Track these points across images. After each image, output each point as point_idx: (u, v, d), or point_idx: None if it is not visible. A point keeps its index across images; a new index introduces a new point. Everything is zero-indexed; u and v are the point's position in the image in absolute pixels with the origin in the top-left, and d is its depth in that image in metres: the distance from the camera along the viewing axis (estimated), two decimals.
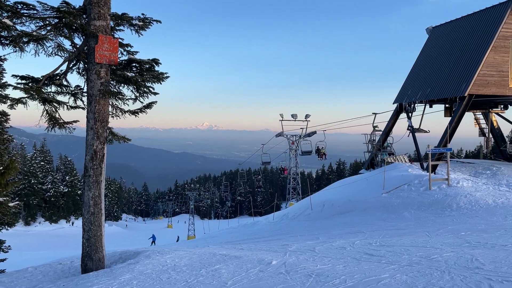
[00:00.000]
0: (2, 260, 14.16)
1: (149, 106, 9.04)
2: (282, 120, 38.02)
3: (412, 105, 23.58)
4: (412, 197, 16.65)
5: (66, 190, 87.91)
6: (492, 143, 27.40)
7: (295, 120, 38.12)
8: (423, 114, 24.34)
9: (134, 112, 9.14)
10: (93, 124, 8.31)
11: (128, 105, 9.13)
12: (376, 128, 23.86)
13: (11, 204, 14.20)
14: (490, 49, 20.29)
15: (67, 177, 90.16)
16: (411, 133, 23.27)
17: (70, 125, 8.87)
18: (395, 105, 25.41)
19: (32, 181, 78.60)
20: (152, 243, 49.67)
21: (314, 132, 37.49)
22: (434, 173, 20.34)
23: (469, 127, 30.79)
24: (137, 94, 8.87)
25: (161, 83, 8.95)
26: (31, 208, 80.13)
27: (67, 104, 8.90)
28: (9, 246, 14.14)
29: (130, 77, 8.31)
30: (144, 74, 8.62)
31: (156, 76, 8.80)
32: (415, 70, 25.75)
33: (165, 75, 8.95)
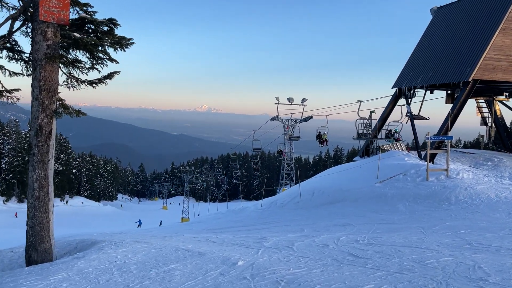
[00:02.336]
0: None
1: (109, 76, 7.85)
2: (278, 103, 36.76)
3: (412, 90, 22.25)
4: (408, 188, 15.51)
5: (61, 168, 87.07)
6: (494, 132, 26.20)
7: (291, 104, 36.85)
8: (423, 100, 23.06)
9: (91, 83, 7.95)
10: (38, 94, 7.15)
11: (87, 74, 7.93)
12: (373, 113, 22.58)
13: None
14: (498, 32, 18.90)
15: (62, 155, 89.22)
16: (409, 120, 22.04)
17: (10, 94, 7.64)
18: (394, 89, 24.06)
19: (26, 158, 77.52)
20: (138, 226, 49.38)
21: (310, 117, 36.30)
22: (433, 163, 19.21)
23: (469, 116, 29.55)
24: (92, 61, 7.61)
25: (124, 50, 7.75)
26: (25, 185, 79.22)
27: (9, 70, 7.68)
28: None
29: (78, 39, 7.03)
30: (103, 38, 7.34)
31: (118, 41, 7.57)
32: (417, 52, 24.31)
33: (130, 41, 7.72)
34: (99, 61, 7.61)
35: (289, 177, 38.35)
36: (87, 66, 7.67)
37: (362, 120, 22.80)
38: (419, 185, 15.76)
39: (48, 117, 7.28)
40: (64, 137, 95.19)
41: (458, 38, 21.41)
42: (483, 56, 18.89)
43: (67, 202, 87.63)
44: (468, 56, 19.69)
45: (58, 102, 7.50)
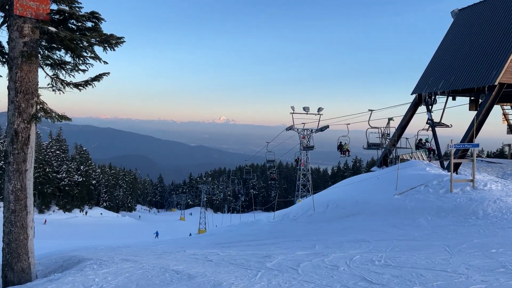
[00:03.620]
0: None
1: (96, 78, 7.16)
2: (293, 113, 35.99)
3: (433, 97, 21.02)
4: (430, 201, 14.31)
5: (81, 179, 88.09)
6: None
7: (307, 113, 36.04)
8: (444, 107, 21.77)
9: (77, 85, 7.30)
10: (13, 97, 6.48)
11: (73, 76, 7.29)
12: (391, 121, 21.40)
13: None
14: None
15: (82, 166, 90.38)
16: (430, 127, 20.77)
17: None
18: (413, 96, 22.82)
19: (47, 170, 78.75)
20: (156, 237, 49.40)
21: (326, 127, 35.34)
22: (457, 173, 17.95)
23: (491, 125, 27.92)
24: (75, 60, 6.95)
25: (113, 49, 7.07)
26: (46, 197, 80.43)
27: None
28: None
29: (54, 33, 6.25)
30: (89, 35, 6.67)
31: (105, 39, 6.86)
32: (438, 56, 23.09)
33: (120, 40, 7.02)
34: (81, 60, 6.93)
35: (305, 188, 37.31)
36: (70, 67, 7.05)
37: (373, 130, 21.63)
38: (442, 197, 14.55)
39: (25, 122, 6.59)
40: (84, 148, 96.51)
41: (482, 40, 20.19)
42: (510, 58, 17.65)
43: (86, 213, 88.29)
44: (493, 59, 18.44)
45: (37, 106, 6.81)
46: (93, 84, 7.27)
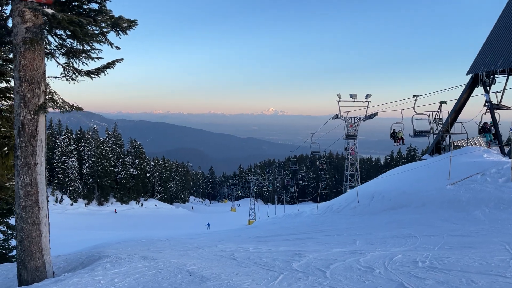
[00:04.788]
0: (14, 248, 13.33)
1: (109, 65, 6.80)
2: (340, 100, 34.67)
3: (491, 76, 18.89)
4: (487, 191, 12.74)
5: (136, 172, 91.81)
6: None
7: (354, 101, 34.58)
8: (505, 87, 19.51)
9: (89, 73, 6.95)
10: (18, 86, 6.17)
11: (87, 64, 6.96)
12: (444, 104, 19.54)
13: None
14: None
15: (137, 160, 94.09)
16: (488, 110, 18.71)
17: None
18: (468, 77, 20.67)
19: (104, 164, 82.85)
20: (208, 228, 50.35)
21: (375, 114, 33.69)
22: None
23: None
24: (83, 47, 6.55)
25: (125, 33, 6.60)
26: (104, 189, 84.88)
27: None
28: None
29: (51, 15, 5.78)
30: (97, 18, 6.23)
31: (115, 22, 6.38)
32: (495, 34, 20.72)
33: (133, 23, 6.53)
34: (87, 45, 6.49)
35: (353, 178, 35.92)
36: (85, 55, 6.69)
37: (420, 116, 19.83)
38: (502, 187, 12.92)
39: (32, 113, 6.24)
40: (138, 142, 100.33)
41: None
42: None
43: (142, 204, 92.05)
44: None
45: (45, 96, 6.47)
46: (105, 72, 6.93)
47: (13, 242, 13.34)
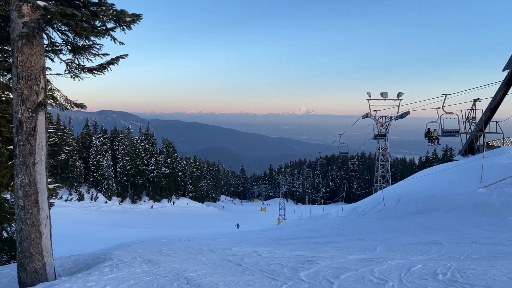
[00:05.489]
0: None
1: (112, 62, 6.67)
2: (370, 99, 33.75)
3: None
4: None
5: (168, 171, 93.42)
6: None
7: (385, 99, 33.57)
8: None
9: (91, 70, 6.80)
10: (16, 83, 6.04)
11: (92, 61, 6.83)
12: (478, 102, 18.35)
13: (50, 186, 13.40)
14: None
15: (169, 159, 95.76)
16: None
17: None
18: (505, 72, 19.36)
19: (138, 163, 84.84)
20: (237, 228, 50.49)
21: (407, 113, 32.53)
22: None
23: None
24: (84, 42, 6.33)
25: (129, 27, 6.38)
26: (137, 188, 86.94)
27: None
28: None
29: (43, 8, 5.62)
30: (97, 12, 6.05)
31: (118, 16, 6.16)
32: None
33: (136, 17, 6.35)
34: (85, 41, 6.26)
35: (384, 179, 34.83)
36: (93, 51, 6.55)
37: (449, 116, 18.69)
38: None
39: (29, 110, 6.07)
40: (170, 142, 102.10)
41: None
42: None
43: (173, 203, 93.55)
44: None
45: (45, 93, 6.29)
46: (108, 68, 6.74)
47: None
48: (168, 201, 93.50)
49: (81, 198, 75.72)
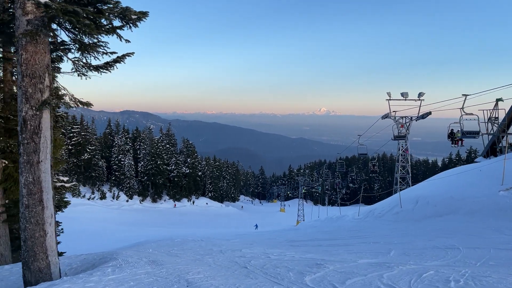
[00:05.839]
0: (57, 243, 13.93)
1: (118, 60, 6.60)
2: (390, 99, 33.14)
3: None
4: None
5: (188, 171, 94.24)
6: None
7: (405, 99, 32.90)
8: None
9: (97, 68, 6.75)
10: (20, 81, 6.00)
11: (99, 59, 6.76)
12: (500, 102, 17.61)
13: (67, 185, 13.68)
14: None
15: (189, 159, 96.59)
16: None
17: None
18: None
19: (158, 162, 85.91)
20: (255, 229, 50.51)
21: (428, 113, 31.76)
22: None
23: None
24: (89, 40, 6.29)
25: (135, 25, 6.29)
26: (158, 187, 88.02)
27: None
28: (62, 229, 13.87)
29: (43, 4, 5.59)
30: (102, 9, 5.99)
31: (122, 13, 6.07)
32: None
33: (143, 15, 6.24)
34: (90, 36, 6.16)
35: (404, 181, 34.11)
36: (102, 50, 6.50)
37: (469, 116, 18.01)
38: None
39: (33, 108, 6.02)
40: (190, 142, 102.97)
41: None
42: None
43: (193, 202, 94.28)
44: None
45: (50, 91, 6.23)
46: (114, 66, 6.71)
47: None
48: (188, 201, 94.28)
49: (103, 197, 77.24)
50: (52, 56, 6.70)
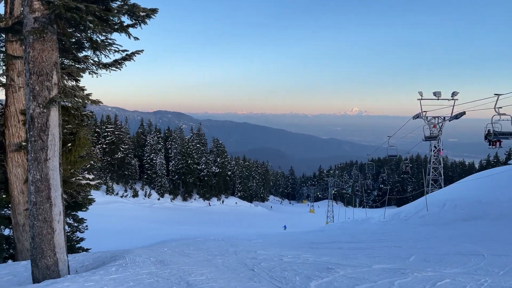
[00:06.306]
0: (81, 240, 14.37)
1: (127, 58, 6.59)
2: (421, 99, 32.12)
3: None
4: None
5: (218, 170, 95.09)
6: None
7: (438, 99, 31.79)
8: None
9: (106, 66, 6.75)
10: (28, 79, 6.05)
11: (109, 57, 6.67)
12: None
13: (92, 183, 14.00)
14: None
15: (218, 158, 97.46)
16: None
17: None
18: None
19: (189, 161, 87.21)
20: (284, 230, 50.29)
21: (462, 113, 30.52)
22: None
23: None
24: (97, 37, 6.24)
25: (144, 22, 6.21)
26: (188, 186, 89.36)
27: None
28: (86, 226, 14.28)
29: (46, 2, 5.62)
30: (110, 6, 5.95)
31: (129, 10, 6.03)
32: None
33: (152, 12, 6.17)
34: (86, 32, 6.10)
35: (436, 183, 32.91)
36: (114, 48, 6.39)
37: (503, 117, 17.06)
38: None
39: (41, 106, 6.03)
40: (220, 142, 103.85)
41: None
42: None
43: (223, 201, 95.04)
44: None
45: (58, 89, 6.22)
46: (123, 64, 6.70)
47: (79, 235, 14.34)
48: (217, 200, 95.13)
49: (135, 194, 79.25)
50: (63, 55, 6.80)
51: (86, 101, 6.45)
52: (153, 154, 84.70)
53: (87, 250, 14.52)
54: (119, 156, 79.98)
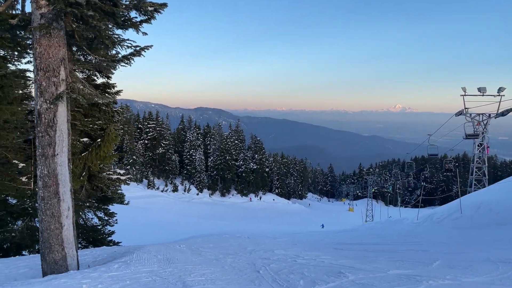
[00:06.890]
0: (111, 233, 14.82)
1: (135, 53, 6.57)
2: (465, 95, 30.44)
3: None
4: None
5: (255, 167, 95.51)
6: None
7: (482, 95, 30.01)
8: None
9: (114, 61, 6.80)
10: (35, 75, 6.12)
11: (119, 53, 6.72)
12: None
13: (122, 178, 14.43)
14: None
15: (256, 155, 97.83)
16: None
17: None
18: None
19: (227, 157, 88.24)
20: (322, 228, 49.65)
21: (510, 110, 28.66)
22: None
23: None
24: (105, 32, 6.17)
25: (153, 17, 6.19)
26: (226, 182, 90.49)
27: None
28: (116, 220, 14.70)
29: None
30: (117, 1, 5.92)
31: (135, 4, 6.01)
32: None
33: (160, 6, 6.08)
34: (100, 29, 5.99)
35: (480, 183, 31.11)
36: (127, 44, 6.48)
37: None
38: None
39: (48, 102, 6.07)
40: (258, 138, 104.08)
41: None
42: None
43: (260, 198, 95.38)
44: None
45: (65, 85, 6.24)
46: (132, 59, 6.70)
47: (109, 228, 14.78)
48: (255, 196, 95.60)
49: (175, 189, 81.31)
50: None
51: (96, 98, 6.53)
52: (192, 150, 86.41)
53: (118, 243, 14.98)
54: (160, 152, 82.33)
